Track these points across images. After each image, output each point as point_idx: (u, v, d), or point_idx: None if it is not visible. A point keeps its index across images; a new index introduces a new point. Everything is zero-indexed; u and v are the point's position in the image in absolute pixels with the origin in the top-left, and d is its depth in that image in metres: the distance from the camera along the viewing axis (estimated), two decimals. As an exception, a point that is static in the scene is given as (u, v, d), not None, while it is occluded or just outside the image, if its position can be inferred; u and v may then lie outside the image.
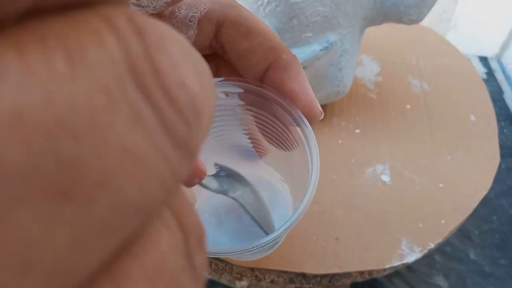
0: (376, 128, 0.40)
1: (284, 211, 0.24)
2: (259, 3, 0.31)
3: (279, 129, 0.20)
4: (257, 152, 0.24)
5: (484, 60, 0.87)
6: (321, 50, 0.33)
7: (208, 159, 0.24)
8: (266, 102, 0.19)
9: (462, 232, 0.56)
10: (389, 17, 0.35)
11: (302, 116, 0.18)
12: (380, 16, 0.35)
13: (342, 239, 0.31)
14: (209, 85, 0.07)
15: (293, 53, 0.33)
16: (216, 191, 0.19)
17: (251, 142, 0.23)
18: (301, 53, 0.33)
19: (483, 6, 0.98)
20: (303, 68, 0.34)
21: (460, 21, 1.05)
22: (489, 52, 0.91)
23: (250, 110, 0.21)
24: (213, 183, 0.19)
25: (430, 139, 0.39)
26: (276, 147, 0.21)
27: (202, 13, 0.17)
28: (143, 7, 0.15)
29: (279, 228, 0.17)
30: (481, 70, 0.85)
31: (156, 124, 0.06)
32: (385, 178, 0.35)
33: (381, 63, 0.48)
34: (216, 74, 0.20)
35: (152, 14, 0.17)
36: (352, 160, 0.37)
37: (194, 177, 0.12)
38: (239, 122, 0.22)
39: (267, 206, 0.24)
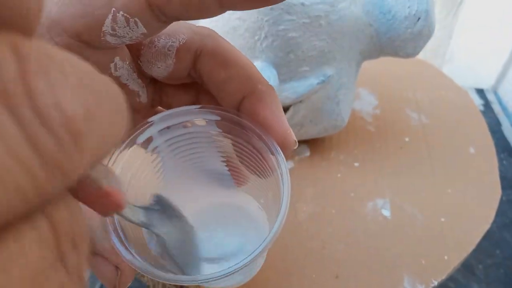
0: (375, 162, 0.39)
1: (259, 239, 0.23)
2: (256, 38, 0.31)
3: (255, 156, 0.20)
4: (234, 180, 0.23)
5: (480, 92, 0.88)
6: (318, 84, 0.33)
7: (184, 186, 0.23)
8: (242, 130, 0.19)
9: (466, 267, 0.55)
10: (385, 51, 0.35)
11: (276, 144, 0.18)
12: (377, 50, 0.35)
13: (343, 277, 0.30)
14: (110, 111, 0.08)
15: (289, 86, 0.33)
16: (139, 224, 0.18)
17: (229, 170, 0.23)
18: (298, 87, 0.33)
19: (477, 39, 0.99)
20: (300, 101, 0.34)
21: (455, 55, 1.07)
22: (485, 84, 0.92)
23: (228, 138, 0.21)
24: (137, 215, 0.19)
25: (430, 172, 0.39)
26: (253, 174, 0.21)
27: (181, 43, 0.18)
28: (119, 37, 0.15)
29: (240, 262, 0.16)
30: (478, 102, 0.85)
31: (19, 138, 0.06)
32: (386, 212, 0.35)
33: (378, 96, 0.48)
34: (196, 102, 0.21)
35: (130, 44, 0.17)
36: (352, 195, 0.36)
37: (108, 209, 0.12)
38: (217, 149, 0.22)
39: (192, 249, 0.24)
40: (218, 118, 0.19)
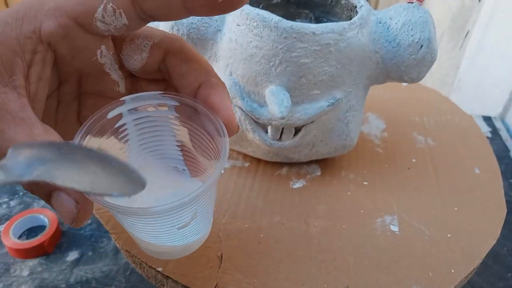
0: (384, 180, 0.41)
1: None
2: (271, 64, 0.34)
3: (207, 140, 0.24)
4: (189, 170, 0.28)
5: (488, 119, 0.89)
6: (328, 106, 0.36)
7: (145, 171, 0.27)
8: (197, 114, 0.24)
9: (477, 289, 0.55)
10: (391, 76, 0.38)
11: (223, 127, 0.22)
12: (383, 75, 0.38)
13: (353, 287, 0.31)
14: None
15: (301, 108, 0.35)
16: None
17: (184, 159, 0.28)
18: (310, 108, 0.35)
19: (484, 68, 1.02)
20: (311, 122, 0.36)
21: (463, 84, 1.09)
22: (493, 112, 0.94)
23: (185, 123, 0.25)
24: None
25: (436, 191, 0.41)
26: (205, 157, 0.26)
27: (154, 42, 0.23)
28: (107, 24, 0.20)
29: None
30: (486, 129, 0.87)
31: None
32: (394, 228, 0.36)
33: (386, 121, 0.50)
34: None
35: (116, 37, 0.23)
36: (361, 211, 0.38)
37: None
38: (173, 133, 0.26)
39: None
40: (177, 103, 0.24)
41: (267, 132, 0.38)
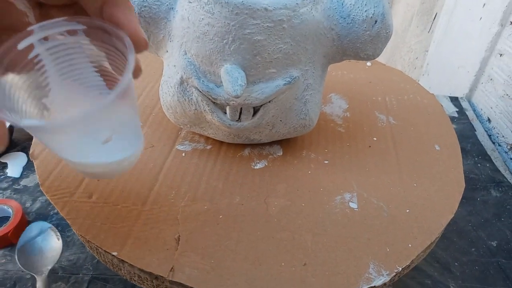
0: (344, 159, 0.41)
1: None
2: (224, 41, 0.33)
3: (119, 57, 0.24)
4: (109, 87, 0.27)
5: (455, 100, 0.91)
6: (284, 84, 0.35)
7: (62, 102, 0.26)
8: (106, 34, 0.23)
9: (442, 264, 0.57)
10: (347, 53, 0.37)
11: (128, 40, 0.22)
12: (339, 53, 0.38)
13: (310, 264, 0.31)
14: None
15: (258, 87, 0.35)
16: None
17: (103, 79, 0.27)
18: (266, 87, 0.35)
19: (451, 50, 1.04)
20: (269, 102, 0.36)
21: (432, 66, 1.11)
22: (460, 92, 0.95)
23: (98, 45, 0.24)
24: None
25: (396, 168, 0.41)
26: (121, 75, 0.25)
27: None
28: None
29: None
30: (452, 109, 0.88)
31: None
32: (353, 205, 0.36)
33: (349, 101, 0.50)
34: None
35: None
36: (321, 189, 0.38)
37: None
38: (90, 58, 0.26)
39: None
40: (85, 27, 0.23)
41: (225, 113, 0.37)
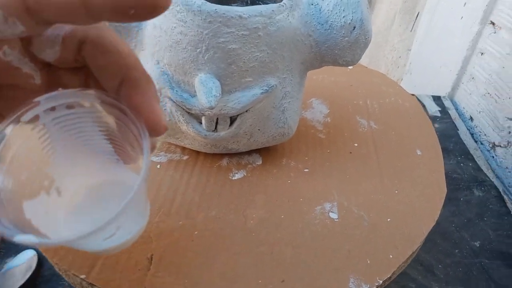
0: (325, 166, 0.41)
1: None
2: (198, 50, 0.32)
3: (133, 137, 0.22)
4: (121, 158, 0.26)
5: (437, 99, 0.91)
6: (261, 93, 0.34)
7: (77, 161, 0.26)
8: (121, 114, 0.21)
9: (425, 267, 0.56)
10: (326, 60, 0.36)
11: (144, 129, 0.20)
12: (318, 59, 0.37)
13: (289, 280, 0.30)
14: None
15: (234, 97, 0.34)
16: None
17: (115, 150, 0.26)
18: (243, 96, 0.34)
19: (434, 50, 1.04)
20: (246, 111, 0.35)
21: (414, 65, 1.11)
22: (442, 91, 0.95)
23: (109, 117, 0.23)
24: None
25: (378, 174, 0.40)
26: (134, 151, 0.24)
27: (66, 32, 0.20)
28: (0, 31, 0.17)
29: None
30: (435, 108, 0.88)
31: None
32: (333, 215, 0.36)
33: (329, 105, 0.49)
34: (86, 83, 0.23)
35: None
36: (301, 199, 0.37)
37: None
38: (101, 129, 0.24)
39: None
40: (98, 101, 0.22)
41: (201, 123, 0.36)
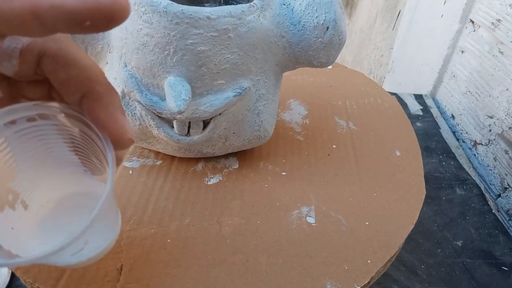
0: (302, 169, 0.40)
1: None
2: (166, 53, 0.31)
3: (98, 150, 0.22)
4: (88, 169, 0.25)
5: (419, 97, 0.91)
6: (234, 96, 0.33)
7: (41, 175, 0.25)
8: (85, 127, 0.21)
9: (408, 267, 0.56)
10: (300, 61, 0.36)
11: (108, 143, 0.20)
12: (292, 61, 0.36)
13: (264, 289, 0.29)
14: None
15: (206, 100, 0.32)
16: None
17: (81, 161, 0.25)
18: (215, 100, 0.33)
19: (415, 48, 1.04)
20: (219, 114, 0.34)
21: (396, 63, 1.11)
22: (424, 90, 0.96)
23: (74, 130, 0.23)
24: None
25: (356, 177, 0.39)
26: (100, 162, 0.23)
27: (24, 45, 0.19)
28: None
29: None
30: (417, 107, 0.88)
31: None
32: (311, 220, 0.35)
33: (308, 106, 0.49)
34: (49, 95, 0.22)
35: None
36: (278, 204, 0.36)
37: None
38: (65, 141, 0.24)
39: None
40: (59, 113, 0.21)
41: (173, 127, 0.35)
